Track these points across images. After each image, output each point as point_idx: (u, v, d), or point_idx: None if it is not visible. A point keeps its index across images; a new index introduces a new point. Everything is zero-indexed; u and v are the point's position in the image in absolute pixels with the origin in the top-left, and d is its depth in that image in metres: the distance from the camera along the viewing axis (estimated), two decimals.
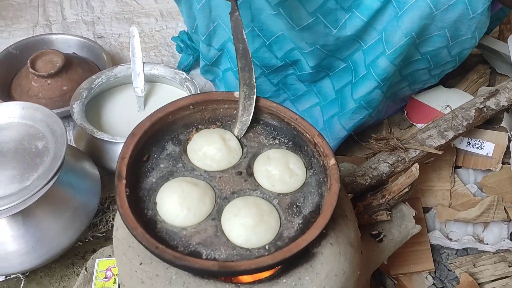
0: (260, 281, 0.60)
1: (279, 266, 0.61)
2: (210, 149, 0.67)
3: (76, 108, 1.11)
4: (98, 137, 1.05)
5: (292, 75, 1.06)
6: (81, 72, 1.27)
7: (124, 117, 1.18)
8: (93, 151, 1.09)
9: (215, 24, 1.03)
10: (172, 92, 1.23)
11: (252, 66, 0.70)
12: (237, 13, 0.73)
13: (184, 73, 1.20)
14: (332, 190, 0.61)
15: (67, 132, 1.22)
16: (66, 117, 1.20)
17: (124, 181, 0.59)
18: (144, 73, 1.19)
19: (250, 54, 0.70)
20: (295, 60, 1.03)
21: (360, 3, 0.94)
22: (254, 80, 0.69)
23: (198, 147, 0.67)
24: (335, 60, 1.04)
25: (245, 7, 0.95)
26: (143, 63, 1.20)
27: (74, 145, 1.14)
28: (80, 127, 1.07)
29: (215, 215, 0.62)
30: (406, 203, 0.93)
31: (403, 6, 0.90)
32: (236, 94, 0.70)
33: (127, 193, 0.59)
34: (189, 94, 1.15)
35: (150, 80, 1.24)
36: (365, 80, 1.01)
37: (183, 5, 1.09)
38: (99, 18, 1.57)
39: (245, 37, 0.71)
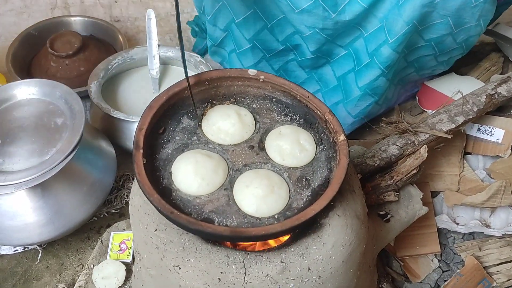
0: (269, 250, 0.62)
1: (288, 235, 0.63)
2: (225, 123, 0.69)
3: (93, 87, 1.14)
4: (114, 116, 1.08)
5: (293, 61, 1.07)
6: (98, 53, 1.30)
7: (140, 97, 1.21)
8: (109, 129, 1.12)
9: (220, 4, 1.04)
10: None
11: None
12: None
13: (199, 56, 1.22)
14: (340, 164, 0.63)
15: (86, 113, 1.25)
16: (83, 97, 1.22)
17: (141, 151, 0.62)
18: (159, 56, 1.22)
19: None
20: (296, 45, 1.04)
21: None
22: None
23: (213, 122, 0.69)
24: (336, 47, 1.04)
25: None
26: (159, 45, 1.23)
27: (90, 123, 1.17)
28: (97, 105, 1.10)
29: (228, 185, 0.64)
30: (414, 185, 0.94)
31: None
32: (251, 71, 0.72)
33: (144, 162, 0.61)
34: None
35: (165, 63, 1.26)
36: (369, 68, 1.01)
37: None
38: (116, 2, 1.59)
39: None
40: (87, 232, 1.06)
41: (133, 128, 1.09)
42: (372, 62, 1.01)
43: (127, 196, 1.11)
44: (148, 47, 1.22)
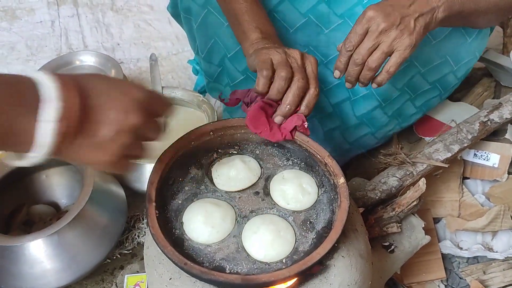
0: None
1: (296, 278, 0.67)
2: (232, 171, 0.73)
3: None
4: None
5: None
6: None
7: None
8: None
9: (212, 41, 1.07)
10: (190, 114, 1.30)
11: None
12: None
13: (201, 95, 1.27)
14: (342, 207, 0.67)
15: None
16: None
17: (154, 204, 0.66)
18: None
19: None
20: None
21: (354, 14, 0.91)
22: None
23: (223, 172, 0.74)
24: (330, 75, 0.98)
25: None
26: (162, 87, 1.28)
27: None
28: None
29: (236, 232, 0.68)
30: (416, 214, 0.97)
31: None
32: None
33: (157, 215, 0.65)
34: (206, 116, 1.22)
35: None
36: (366, 98, 1.03)
37: (185, 27, 1.15)
38: (118, 44, 1.65)
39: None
40: (101, 275, 1.09)
41: (141, 171, 1.13)
42: (370, 93, 1.03)
43: (138, 236, 1.14)
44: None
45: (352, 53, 0.78)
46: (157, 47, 1.64)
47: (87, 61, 1.38)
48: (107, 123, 0.52)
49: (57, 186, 1.17)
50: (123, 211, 1.10)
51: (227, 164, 0.75)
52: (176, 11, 1.15)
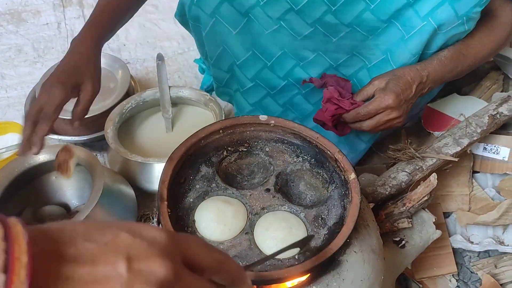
0: None
1: (309, 274, 0.67)
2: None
3: (110, 133, 1.19)
4: (132, 159, 1.12)
5: (298, 95, 1.10)
6: None
7: (154, 138, 1.25)
8: (127, 172, 1.17)
9: (220, 48, 1.08)
10: (198, 112, 1.30)
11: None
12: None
13: (208, 94, 1.27)
14: (353, 202, 0.67)
15: (102, 155, 1.31)
16: (100, 141, 1.28)
17: (166, 203, 0.66)
18: (170, 96, 1.27)
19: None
20: (298, 78, 1.06)
21: (362, 22, 0.95)
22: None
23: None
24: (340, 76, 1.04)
25: (245, 32, 1.00)
26: (169, 86, 1.28)
27: (109, 167, 1.22)
28: (115, 150, 1.15)
29: (248, 229, 0.68)
30: (426, 209, 0.97)
31: (410, 30, 0.92)
32: (262, 117, 0.77)
33: (169, 213, 0.66)
34: (213, 114, 1.23)
35: (177, 102, 1.31)
36: None
37: (194, 34, 1.16)
38: (124, 45, 1.66)
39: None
40: None
41: (150, 170, 1.14)
42: None
43: None
44: (159, 91, 1.27)
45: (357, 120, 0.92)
46: (163, 47, 1.64)
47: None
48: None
49: (67, 187, 1.18)
50: (133, 210, 1.10)
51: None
52: (184, 19, 1.15)
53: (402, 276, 1.07)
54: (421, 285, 1.05)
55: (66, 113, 1.26)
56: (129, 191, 1.13)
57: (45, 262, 0.30)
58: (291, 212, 0.70)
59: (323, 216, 0.69)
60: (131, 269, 0.32)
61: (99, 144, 1.34)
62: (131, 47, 1.65)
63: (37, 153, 0.86)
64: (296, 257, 0.65)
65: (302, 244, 0.61)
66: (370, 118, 0.90)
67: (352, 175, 0.70)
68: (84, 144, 1.30)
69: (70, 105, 1.27)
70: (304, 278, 0.66)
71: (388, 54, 0.97)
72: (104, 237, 0.33)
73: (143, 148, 1.24)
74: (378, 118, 0.89)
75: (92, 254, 0.32)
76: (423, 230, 0.94)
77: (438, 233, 0.94)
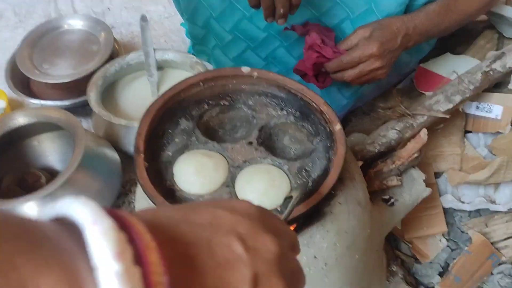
0: None
1: (292, 226, 0.65)
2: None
3: (93, 96, 1.15)
4: (116, 122, 1.09)
5: (280, 48, 1.06)
6: None
7: (139, 102, 1.22)
8: (112, 136, 1.14)
9: (195, 1, 1.04)
10: (183, 76, 1.24)
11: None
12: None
13: (194, 56, 1.23)
14: (338, 153, 0.65)
15: (88, 121, 1.28)
16: (84, 106, 1.25)
17: (142, 155, 0.63)
18: (155, 59, 1.23)
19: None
20: (279, 29, 1.02)
21: None
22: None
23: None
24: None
25: None
26: (154, 49, 1.24)
27: (94, 132, 1.19)
28: (98, 114, 1.12)
29: (229, 182, 0.65)
30: (416, 167, 0.95)
31: None
32: (244, 69, 0.74)
33: (146, 166, 0.63)
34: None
35: (162, 66, 1.27)
36: None
37: None
38: (108, 9, 1.61)
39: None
40: None
41: (135, 133, 1.11)
42: None
43: (135, 199, 1.12)
44: (144, 53, 1.23)
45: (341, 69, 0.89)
46: (148, 11, 1.59)
47: (75, 25, 1.34)
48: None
49: (50, 152, 1.15)
50: (117, 174, 1.08)
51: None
52: None
53: (392, 237, 1.06)
54: (411, 245, 1.04)
55: (50, 77, 1.24)
56: (114, 154, 1.10)
57: (179, 271, 0.26)
58: (273, 165, 0.67)
59: (307, 168, 0.67)
60: (248, 249, 0.30)
61: (83, 110, 1.30)
62: (116, 11, 1.60)
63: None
64: (279, 209, 0.62)
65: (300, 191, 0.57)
66: (353, 68, 0.87)
67: (338, 126, 0.67)
68: (68, 109, 1.26)
69: (53, 70, 1.25)
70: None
71: (372, 4, 0.93)
72: (202, 217, 0.30)
73: (128, 112, 1.20)
74: (361, 67, 0.86)
75: (204, 238, 0.29)
76: (413, 188, 0.92)
77: (427, 190, 0.92)
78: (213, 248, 0.29)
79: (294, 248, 0.37)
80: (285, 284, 0.30)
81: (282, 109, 0.74)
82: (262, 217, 0.33)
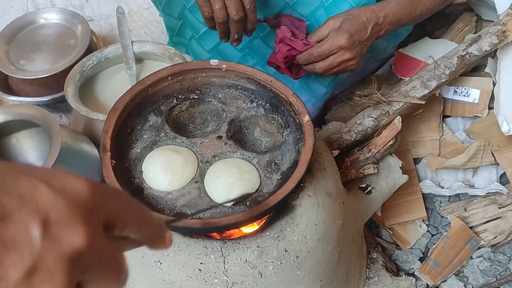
0: (245, 236, 0.64)
1: (263, 221, 0.65)
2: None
3: (70, 91, 1.14)
4: (94, 117, 1.08)
5: (256, 38, 1.06)
6: None
7: (118, 96, 1.20)
8: (91, 131, 1.13)
9: None
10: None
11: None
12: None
13: (173, 48, 1.22)
14: (307, 145, 0.64)
15: (67, 117, 1.27)
16: (63, 102, 1.23)
17: (109, 153, 0.63)
18: (133, 52, 1.22)
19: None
20: None
21: None
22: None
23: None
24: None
25: None
26: (132, 41, 1.22)
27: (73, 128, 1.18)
28: (76, 109, 1.11)
29: (198, 178, 0.65)
30: (393, 154, 0.95)
31: None
32: (212, 61, 0.73)
33: (113, 164, 0.62)
34: None
35: (141, 58, 1.26)
36: None
37: None
38: (87, 1, 1.58)
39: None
40: None
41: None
42: None
43: None
44: (121, 45, 1.21)
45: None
46: (127, 2, 1.57)
47: (52, 18, 1.32)
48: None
49: (29, 149, 1.14)
50: (96, 170, 1.07)
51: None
52: None
53: (373, 224, 1.06)
54: (391, 232, 1.04)
55: (27, 73, 1.23)
56: (93, 150, 1.10)
57: None
58: (243, 159, 0.67)
59: (276, 161, 0.67)
60: (46, 236, 0.27)
61: (63, 105, 1.29)
62: (94, 3, 1.57)
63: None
64: (248, 203, 0.62)
65: (243, 198, 0.58)
66: (323, 60, 0.86)
67: (306, 117, 0.67)
68: (46, 105, 1.26)
69: (30, 66, 1.23)
70: (257, 226, 0.64)
71: None
72: (19, 187, 0.28)
73: (108, 107, 1.18)
74: (331, 59, 0.86)
75: (3, 208, 0.26)
76: (390, 176, 0.92)
77: (404, 177, 0.92)
78: (6, 222, 0.26)
79: (155, 239, 0.36)
80: (69, 284, 0.27)
81: (252, 102, 0.74)
82: (93, 202, 0.30)
